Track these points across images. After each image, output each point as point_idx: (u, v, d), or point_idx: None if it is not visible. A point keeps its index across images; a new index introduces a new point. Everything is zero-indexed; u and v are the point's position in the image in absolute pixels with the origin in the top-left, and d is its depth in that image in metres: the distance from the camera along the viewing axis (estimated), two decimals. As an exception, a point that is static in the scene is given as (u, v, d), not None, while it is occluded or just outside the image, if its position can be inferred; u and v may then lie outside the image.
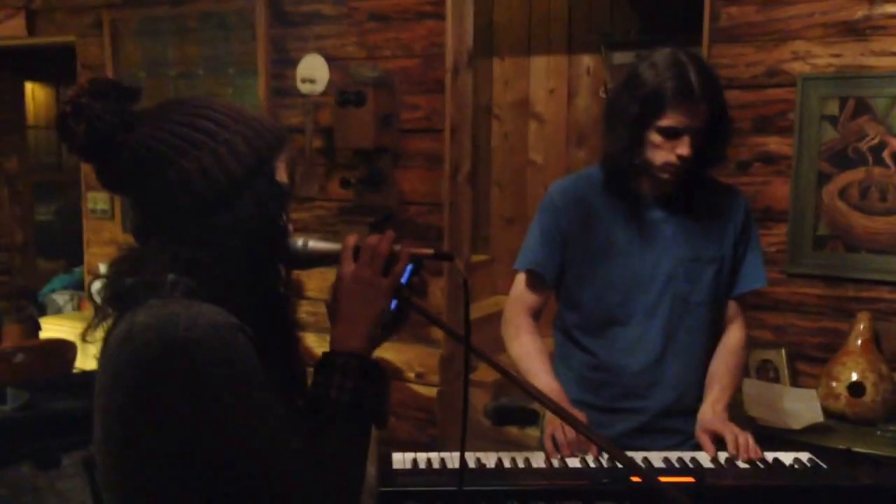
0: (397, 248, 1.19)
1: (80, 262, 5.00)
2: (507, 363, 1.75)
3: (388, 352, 3.76)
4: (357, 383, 1.15)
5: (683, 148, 1.84)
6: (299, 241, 1.22)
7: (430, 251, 1.18)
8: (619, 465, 1.63)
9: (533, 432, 3.77)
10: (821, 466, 1.67)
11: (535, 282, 2.08)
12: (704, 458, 1.73)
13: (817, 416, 2.73)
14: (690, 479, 1.56)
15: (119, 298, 1.13)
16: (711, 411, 1.93)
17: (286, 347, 1.28)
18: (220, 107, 1.21)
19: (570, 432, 1.78)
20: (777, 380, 2.96)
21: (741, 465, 1.70)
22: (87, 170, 4.54)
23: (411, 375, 3.76)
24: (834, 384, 2.79)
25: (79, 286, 5.16)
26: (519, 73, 4.88)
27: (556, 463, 1.70)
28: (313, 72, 3.80)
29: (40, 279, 5.58)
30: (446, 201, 3.60)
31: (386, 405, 1.20)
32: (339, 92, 3.56)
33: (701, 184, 1.99)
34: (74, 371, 3.41)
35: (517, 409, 3.96)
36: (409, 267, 1.24)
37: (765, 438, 2.70)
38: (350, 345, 1.18)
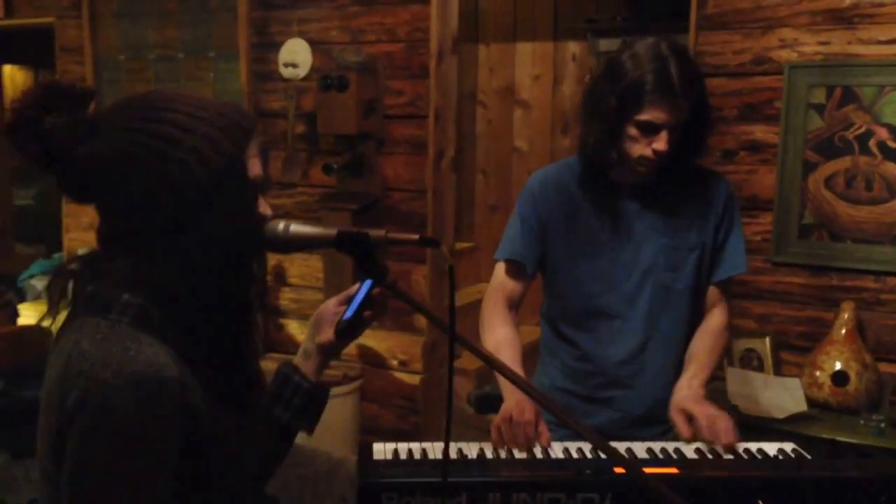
0: (382, 233, 1.16)
1: (59, 247, 4.92)
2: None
3: (370, 339, 3.73)
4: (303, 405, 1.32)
5: (660, 143, 1.81)
6: (280, 225, 1.19)
7: (414, 237, 1.16)
8: (602, 456, 1.61)
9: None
10: (805, 457, 1.65)
11: (515, 271, 2.06)
12: (688, 450, 1.71)
13: (801, 406, 2.72)
14: (674, 471, 1.54)
15: (75, 299, 1.14)
16: (687, 387, 1.89)
17: (242, 358, 1.26)
18: (182, 105, 1.14)
19: (518, 422, 1.75)
20: (760, 369, 2.96)
21: (724, 455, 1.68)
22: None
23: (394, 363, 3.74)
24: (817, 373, 2.79)
25: (58, 272, 5.07)
26: (504, 60, 4.85)
27: (538, 453, 1.68)
28: (296, 56, 3.75)
29: (19, 265, 5.49)
30: (430, 188, 3.57)
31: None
32: (322, 76, 3.51)
33: (682, 172, 1.97)
34: (51, 358, 3.35)
35: (500, 397, 3.94)
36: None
37: (747, 428, 2.71)
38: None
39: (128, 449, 1.03)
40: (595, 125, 1.88)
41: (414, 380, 3.71)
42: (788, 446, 1.72)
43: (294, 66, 3.75)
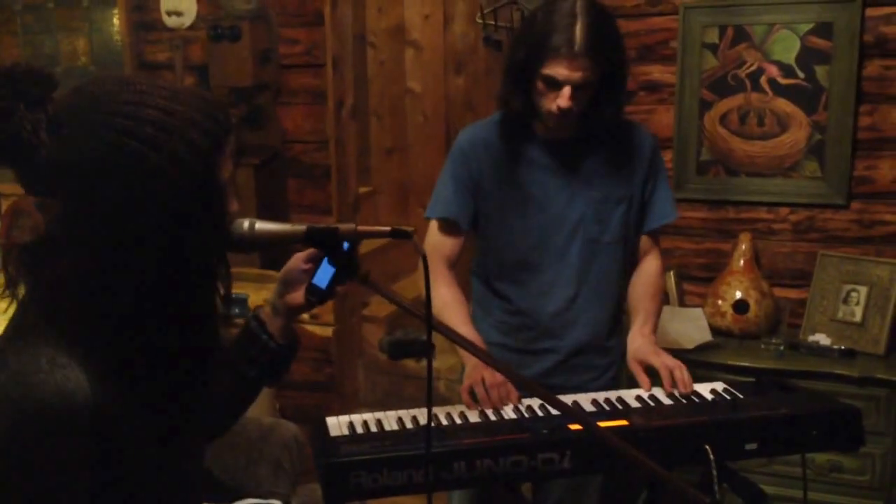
0: (352, 227, 1.14)
1: None
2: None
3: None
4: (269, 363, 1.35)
5: (562, 100, 1.84)
6: (245, 224, 1.14)
7: (386, 229, 1.14)
8: (557, 413, 1.67)
9: (429, 363, 3.81)
10: (738, 397, 1.76)
11: (449, 229, 2.07)
12: (630, 398, 1.79)
13: (706, 335, 2.88)
14: (624, 422, 1.61)
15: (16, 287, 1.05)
16: (640, 336, 2.00)
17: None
18: (154, 97, 1.01)
19: (491, 384, 1.79)
20: (666, 301, 3.09)
21: (664, 400, 1.77)
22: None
23: (306, 316, 3.70)
24: (720, 302, 2.95)
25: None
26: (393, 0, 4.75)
27: (492, 416, 1.72)
28: (179, 3, 3.56)
29: None
30: (332, 138, 3.50)
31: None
32: (212, 27, 3.36)
33: (605, 127, 2.01)
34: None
35: (411, 342, 3.97)
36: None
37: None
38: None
39: (26, 474, 0.98)
40: (507, 77, 1.94)
41: (326, 332, 3.69)
42: (720, 386, 1.83)
43: (178, 14, 3.56)
